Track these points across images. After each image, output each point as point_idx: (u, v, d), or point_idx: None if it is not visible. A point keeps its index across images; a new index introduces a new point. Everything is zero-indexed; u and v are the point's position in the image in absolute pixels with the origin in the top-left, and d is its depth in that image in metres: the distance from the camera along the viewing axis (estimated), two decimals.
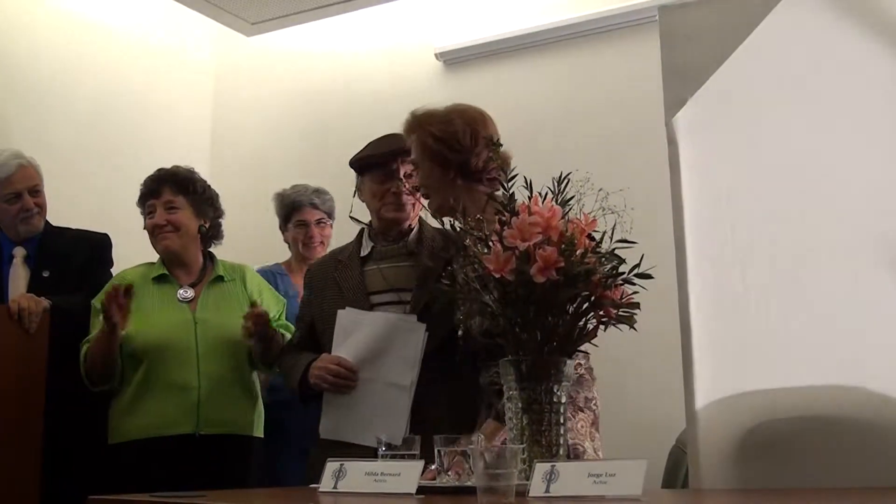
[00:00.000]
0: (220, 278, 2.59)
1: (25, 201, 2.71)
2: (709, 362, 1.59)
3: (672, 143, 1.62)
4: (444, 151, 1.97)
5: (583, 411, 1.94)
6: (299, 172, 3.95)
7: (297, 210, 3.09)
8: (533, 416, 1.42)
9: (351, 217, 2.31)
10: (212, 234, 2.63)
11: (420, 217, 2.30)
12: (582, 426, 1.89)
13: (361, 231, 2.32)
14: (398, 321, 2.10)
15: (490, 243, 1.45)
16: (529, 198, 1.46)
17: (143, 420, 2.39)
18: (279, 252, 3.26)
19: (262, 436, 2.55)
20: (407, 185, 2.19)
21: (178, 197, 2.54)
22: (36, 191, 2.76)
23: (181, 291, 2.52)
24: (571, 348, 1.47)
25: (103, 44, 4.03)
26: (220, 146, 4.60)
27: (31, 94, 3.70)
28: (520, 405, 1.43)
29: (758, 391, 1.50)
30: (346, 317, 2.15)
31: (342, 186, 2.50)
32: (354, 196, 2.32)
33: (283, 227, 3.15)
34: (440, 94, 4.07)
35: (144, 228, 2.57)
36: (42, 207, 2.78)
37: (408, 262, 2.21)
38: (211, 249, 2.68)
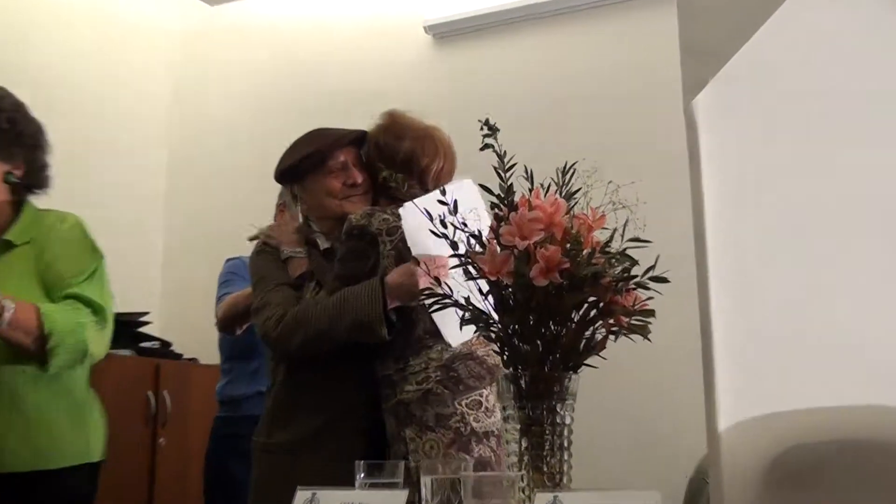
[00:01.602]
0: (7, 245, 2.04)
1: None
2: (733, 378, 1.59)
3: (691, 128, 1.62)
4: (374, 161, 2.25)
5: (434, 431, 1.98)
6: (270, 149, 3.96)
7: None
8: (533, 438, 1.42)
9: (307, 222, 2.37)
10: (30, 182, 2.12)
11: None
12: (433, 450, 1.96)
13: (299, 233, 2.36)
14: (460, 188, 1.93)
15: (486, 241, 1.45)
16: (530, 190, 1.46)
17: None
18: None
19: (94, 461, 2.14)
20: (360, 176, 2.27)
21: None
22: None
23: None
24: (577, 361, 1.47)
25: (66, 11, 4.06)
26: (183, 118, 4.61)
27: None
28: (518, 426, 1.43)
29: (790, 411, 1.50)
30: (412, 211, 2.03)
31: None
32: (298, 203, 2.39)
33: (290, 208, 3.18)
34: (429, 71, 4.09)
35: None
36: None
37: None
38: (36, 202, 2.19)
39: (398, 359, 2.12)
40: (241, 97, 4.53)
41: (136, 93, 4.47)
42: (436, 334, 2.11)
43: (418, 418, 2.04)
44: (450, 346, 2.10)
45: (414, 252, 2.08)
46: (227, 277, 3.32)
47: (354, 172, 2.30)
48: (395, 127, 2.29)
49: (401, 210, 2.12)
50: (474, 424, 2.05)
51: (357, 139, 2.33)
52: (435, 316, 2.07)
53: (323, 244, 2.35)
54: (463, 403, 2.07)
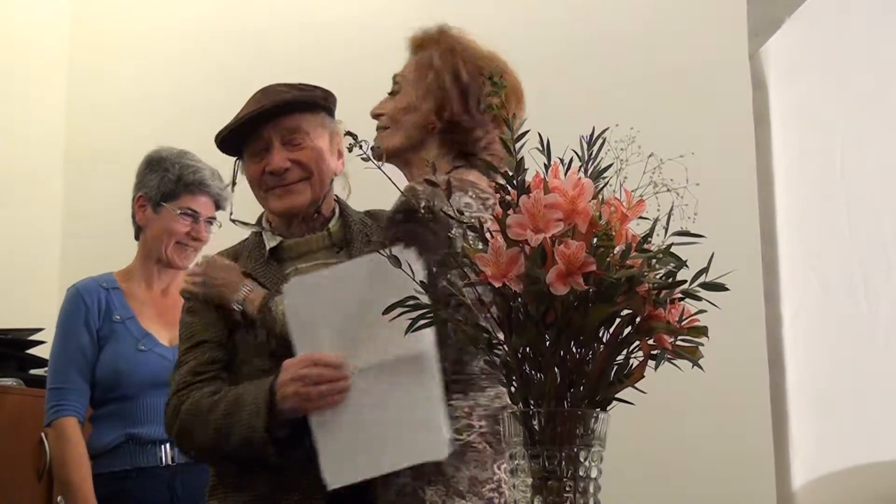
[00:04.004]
0: None
1: None
2: (812, 419, 1.59)
3: (759, 85, 1.62)
4: (451, 95, 2.19)
5: (464, 498, 2.02)
6: (192, 132, 3.99)
7: (191, 191, 3.17)
8: (549, 496, 1.41)
9: (233, 220, 2.44)
10: None
11: (337, 198, 2.45)
12: None
13: (258, 233, 2.43)
14: (371, 262, 2.07)
15: (488, 234, 1.44)
16: (546, 166, 1.45)
17: None
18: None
19: None
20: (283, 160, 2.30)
21: None
22: None
23: None
24: (607, 395, 1.46)
25: None
26: (83, 93, 4.66)
27: None
28: (529, 481, 1.42)
29: (888, 463, 1.50)
30: (296, 290, 2.16)
31: None
32: (233, 186, 2.45)
33: (155, 206, 3.23)
34: (423, 14, 4.09)
35: None
36: None
37: (336, 259, 2.35)
38: None
39: None
40: (149, 69, 4.60)
41: (29, 82, 4.72)
42: (492, 376, 2.09)
43: (447, 478, 2.03)
44: (324, 482, 2.10)
45: (299, 348, 2.14)
46: (58, 351, 3.26)
47: (274, 155, 2.31)
48: (474, 53, 2.25)
49: (284, 286, 2.17)
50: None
51: (302, 104, 2.34)
52: (316, 431, 2.12)
53: (269, 242, 2.39)
54: (503, 468, 2.05)
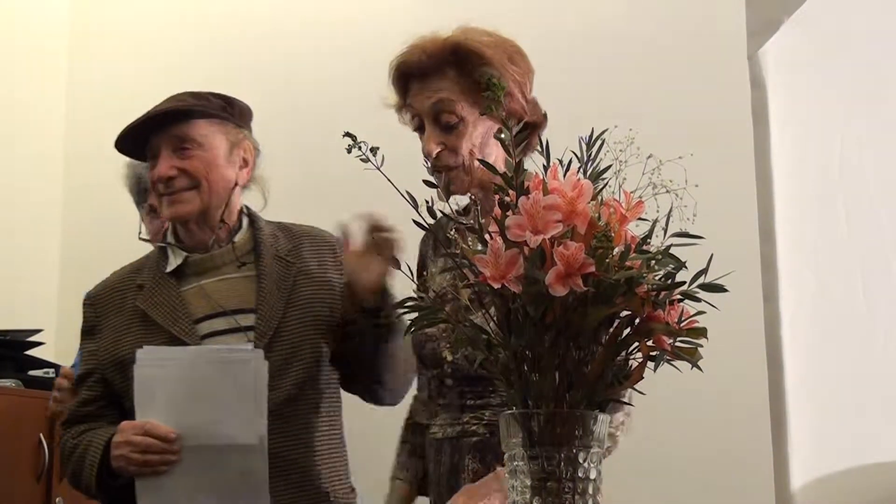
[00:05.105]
0: None
1: None
2: (811, 419, 1.58)
3: (757, 86, 1.61)
4: (527, 109, 2.17)
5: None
6: None
7: (147, 191, 3.14)
8: (549, 497, 1.41)
9: (140, 238, 2.52)
10: None
11: (247, 210, 2.44)
12: None
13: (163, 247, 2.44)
14: (221, 353, 2.20)
15: (487, 236, 1.44)
16: (545, 167, 1.45)
17: None
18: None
19: None
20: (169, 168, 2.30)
21: None
22: None
23: None
24: (606, 396, 1.46)
25: None
26: (82, 95, 4.64)
27: None
28: (528, 482, 1.42)
29: (887, 464, 1.50)
30: (146, 359, 2.21)
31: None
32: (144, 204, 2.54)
33: (138, 207, 3.23)
34: (416, 13, 4.10)
35: None
36: None
37: (239, 273, 2.35)
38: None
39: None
40: (149, 69, 4.60)
41: (29, 82, 4.78)
42: None
43: None
44: None
45: (138, 413, 2.21)
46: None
47: (160, 163, 2.32)
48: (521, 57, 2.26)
49: (138, 352, 2.20)
50: None
51: (196, 112, 2.33)
52: (139, 494, 2.22)
53: (174, 258, 2.38)
54: None
